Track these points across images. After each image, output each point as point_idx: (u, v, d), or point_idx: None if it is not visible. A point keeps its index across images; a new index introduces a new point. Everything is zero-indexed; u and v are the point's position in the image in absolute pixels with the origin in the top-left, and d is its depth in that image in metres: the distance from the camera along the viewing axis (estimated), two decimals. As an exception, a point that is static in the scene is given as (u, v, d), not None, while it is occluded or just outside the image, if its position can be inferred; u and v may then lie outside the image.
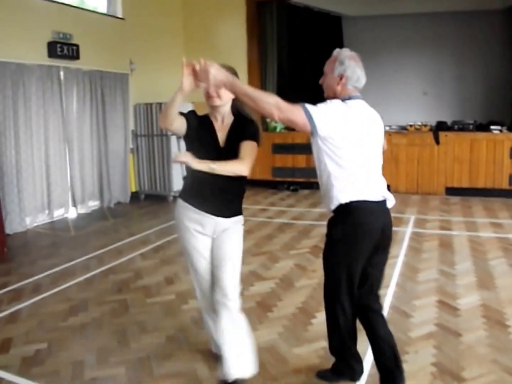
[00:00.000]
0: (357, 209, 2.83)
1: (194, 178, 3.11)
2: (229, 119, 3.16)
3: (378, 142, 2.95)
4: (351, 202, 2.82)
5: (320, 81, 3.00)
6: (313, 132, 2.69)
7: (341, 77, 2.84)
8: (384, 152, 3.14)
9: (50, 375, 3.49)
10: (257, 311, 4.49)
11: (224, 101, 3.04)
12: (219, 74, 2.60)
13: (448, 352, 3.68)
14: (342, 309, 3.13)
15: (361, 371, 3.29)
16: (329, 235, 3.04)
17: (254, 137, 3.07)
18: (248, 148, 3.02)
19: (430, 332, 4.00)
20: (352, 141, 2.74)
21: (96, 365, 3.63)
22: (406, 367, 3.44)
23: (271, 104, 2.61)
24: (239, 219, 3.26)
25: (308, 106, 2.66)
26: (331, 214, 3.03)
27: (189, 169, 2.99)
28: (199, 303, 3.46)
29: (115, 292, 5.04)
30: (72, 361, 3.68)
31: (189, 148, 3.06)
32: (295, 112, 2.64)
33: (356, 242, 2.87)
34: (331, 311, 3.19)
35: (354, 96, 2.85)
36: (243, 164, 2.96)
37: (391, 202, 2.98)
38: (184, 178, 3.31)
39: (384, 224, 2.93)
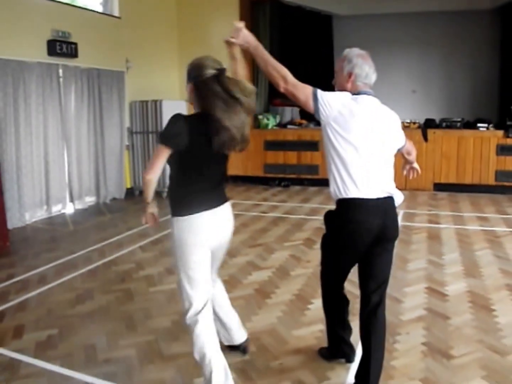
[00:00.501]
0: (353, 206, 2.90)
1: None
2: None
3: (383, 141, 2.96)
4: (349, 199, 2.88)
5: (333, 82, 3.15)
6: (315, 114, 2.89)
7: (350, 74, 2.98)
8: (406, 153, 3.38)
9: (64, 357, 3.65)
10: (256, 297, 4.70)
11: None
12: (249, 35, 2.93)
13: (437, 333, 3.90)
14: (333, 296, 3.36)
15: (354, 354, 3.47)
16: (325, 228, 3.18)
17: (158, 137, 2.97)
18: None
19: (420, 316, 4.22)
20: (355, 136, 2.83)
21: (107, 347, 3.81)
22: (398, 346, 3.70)
23: (280, 73, 2.87)
24: (172, 220, 3.04)
25: (318, 90, 2.86)
26: (328, 208, 3.18)
27: None
28: None
29: (118, 282, 5.21)
30: (84, 344, 3.85)
31: None
32: (300, 89, 2.87)
33: (348, 238, 2.96)
34: (324, 297, 3.40)
35: (363, 92, 2.97)
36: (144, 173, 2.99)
37: (398, 199, 3.07)
38: None
39: (385, 220, 2.92)
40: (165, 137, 2.86)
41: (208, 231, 2.97)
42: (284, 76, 2.86)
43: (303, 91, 2.87)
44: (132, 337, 3.97)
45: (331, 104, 2.84)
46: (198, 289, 2.97)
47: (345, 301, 3.39)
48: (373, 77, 3.03)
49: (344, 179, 2.88)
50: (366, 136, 2.86)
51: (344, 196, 2.89)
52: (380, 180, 2.95)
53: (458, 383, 3.22)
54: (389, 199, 3.00)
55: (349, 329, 3.47)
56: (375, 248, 2.97)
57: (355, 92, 2.96)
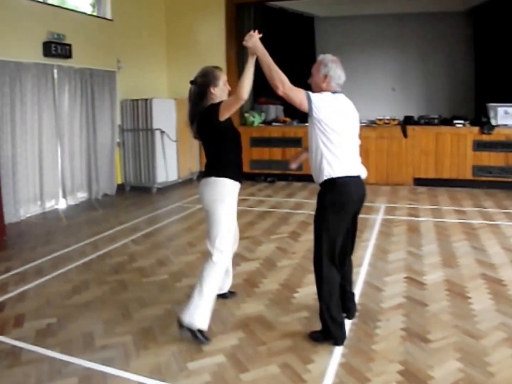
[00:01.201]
0: (342, 182, 3.51)
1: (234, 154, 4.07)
2: None
3: (356, 128, 3.66)
4: (338, 177, 3.50)
5: (309, 81, 3.68)
6: (309, 113, 3.43)
7: (326, 76, 3.55)
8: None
9: (63, 344, 3.82)
10: (245, 286, 4.91)
11: None
12: (259, 43, 3.54)
13: (415, 319, 4.12)
14: (328, 267, 3.62)
15: (343, 337, 3.72)
16: (319, 203, 3.66)
17: None
18: None
19: (399, 303, 4.44)
20: (339, 126, 3.45)
21: (105, 334, 3.99)
22: (379, 332, 3.92)
23: (280, 78, 3.41)
24: None
25: (310, 93, 3.42)
26: (320, 189, 3.67)
27: (227, 149, 3.89)
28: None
29: (113, 273, 5.39)
30: (82, 332, 4.02)
31: None
32: (295, 93, 3.41)
33: (341, 208, 3.54)
34: (319, 272, 3.67)
35: (337, 91, 3.59)
36: None
37: (364, 174, 3.72)
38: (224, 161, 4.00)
39: (361, 195, 3.66)
40: None
41: None
42: (283, 82, 3.39)
43: (298, 95, 3.41)
44: (128, 325, 4.14)
45: (322, 105, 3.41)
46: None
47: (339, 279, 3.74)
48: (343, 78, 3.61)
49: (336, 161, 3.49)
50: (348, 126, 3.54)
51: (336, 175, 3.50)
52: (357, 162, 3.66)
53: (434, 365, 3.42)
54: (360, 178, 3.69)
55: (341, 314, 3.77)
56: (353, 217, 3.73)
57: (332, 92, 3.54)
